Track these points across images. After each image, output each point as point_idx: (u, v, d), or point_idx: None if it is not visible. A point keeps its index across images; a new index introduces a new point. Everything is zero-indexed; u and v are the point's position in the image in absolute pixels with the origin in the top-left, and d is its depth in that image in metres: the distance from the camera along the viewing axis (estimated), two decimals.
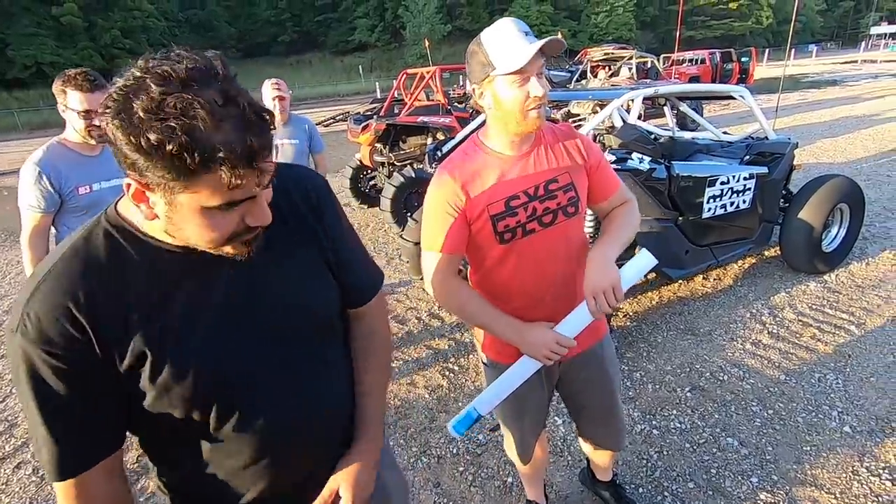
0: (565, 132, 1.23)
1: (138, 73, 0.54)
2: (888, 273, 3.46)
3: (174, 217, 0.62)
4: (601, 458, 1.68)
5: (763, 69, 25.32)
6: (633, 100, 2.78)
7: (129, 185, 0.60)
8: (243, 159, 0.56)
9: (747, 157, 3.12)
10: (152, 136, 0.52)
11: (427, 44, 17.22)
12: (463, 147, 1.19)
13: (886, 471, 1.91)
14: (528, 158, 1.15)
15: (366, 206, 6.09)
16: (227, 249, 0.68)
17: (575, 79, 12.18)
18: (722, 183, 2.88)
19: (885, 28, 39.70)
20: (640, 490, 1.92)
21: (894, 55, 34.92)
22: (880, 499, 1.80)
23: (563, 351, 1.11)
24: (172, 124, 0.52)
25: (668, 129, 3.72)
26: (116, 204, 0.71)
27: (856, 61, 30.57)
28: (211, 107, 0.54)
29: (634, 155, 2.59)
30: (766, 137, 3.34)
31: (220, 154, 0.54)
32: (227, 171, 0.56)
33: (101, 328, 0.64)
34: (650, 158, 2.62)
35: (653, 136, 3.14)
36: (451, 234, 1.13)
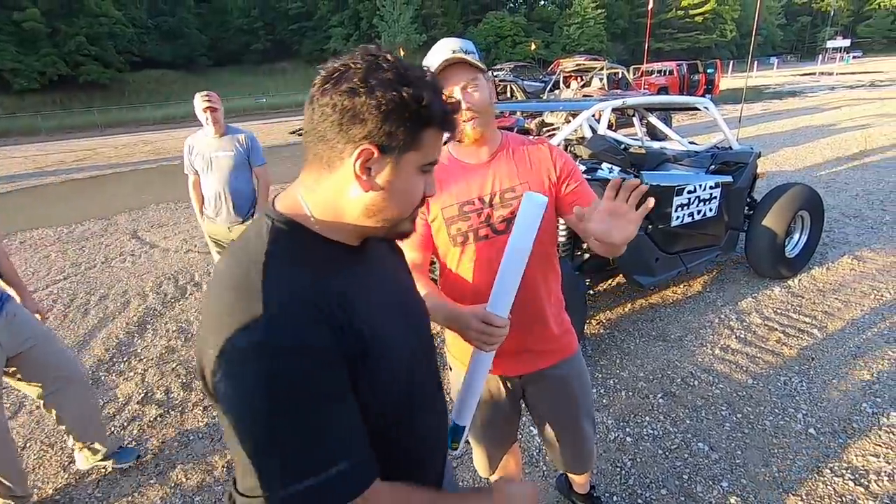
0: (535, 145, 1.24)
1: (368, 56, 0.64)
2: (847, 277, 3.60)
3: (395, 181, 0.67)
4: (572, 475, 1.67)
5: (728, 80, 26.23)
6: (602, 111, 2.84)
7: (361, 156, 0.63)
8: (448, 117, 0.69)
9: (713, 166, 3.21)
10: (399, 98, 0.61)
11: (402, 53, 17.37)
12: None
13: (849, 471, 1.97)
14: (487, 167, 1.19)
15: None
16: (405, 226, 0.74)
17: (548, 89, 12.40)
18: (689, 192, 2.96)
19: (840, 42, 41.67)
20: (615, 498, 1.93)
21: (849, 68, 36.74)
22: (844, 499, 1.85)
23: (497, 332, 0.97)
24: (412, 89, 0.63)
25: (638, 140, 3.80)
26: (274, 203, 0.72)
27: (814, 73, 32.02)
28: (431, 77, 0.67)
29: (604, 165, 2.64)
30: (730, 147, 3.45)
31: (438, 113, 0.66)
32: (441, 127, 0.68)
33: (346, 324, 0.63)
34: (619, 168, 2.67)
35: (623, 147, 3.21)
36: (418, 235, 1.19)
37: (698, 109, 3.32)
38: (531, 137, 1.32)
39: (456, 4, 45.88)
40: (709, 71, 16.90)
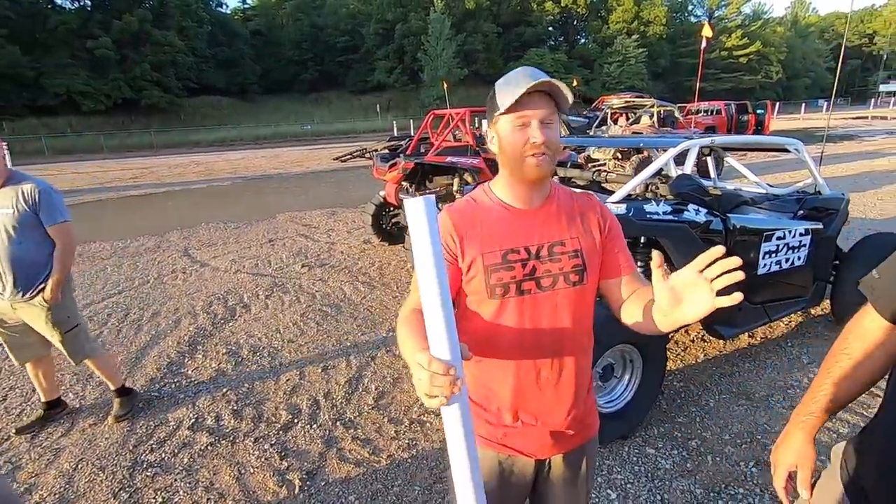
0: (585, 200, 1.12)
1: None
2: None
3: None
4: None
5: (775, 122, 25.60)
6: (688, 149, 2.69)
7: None
8: None
9: (801, 211, 2.98)
10: None
11: (445, 85, 17.70)
12: (472, 193, 1.13)
13: None
14: (537, 215, 1.06)
15: (386, 244, 6.01)
16: None
17: (595, 125, 12.31)
18: (778, 238, 2.74)
19: (893, 86, 40.35)
20: None
21: None
22: None
23: (437, 380, 0.69)
24: None
25: (710, 181, 3.62)
26: None
27: (866, 117, 30.94)
28: None
29: (690, 206, 2.47)
30: (819, 192, 3.22)
31: None
32: None
33: None
34: (706, 210, 2.50)
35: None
36: None
37: (787, 151, 3.12)
38: (578, 190, 1.17)
39: (498, 41, 46.97)
40: (759, 111, 16.50)
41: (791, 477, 1.01)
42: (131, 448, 2.48)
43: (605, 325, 2.10)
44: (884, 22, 72.83)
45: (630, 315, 1.02)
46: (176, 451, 2.46)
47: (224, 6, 48.06)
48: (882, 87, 41.51)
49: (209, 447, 2.47)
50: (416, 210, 0.69)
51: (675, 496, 2.07)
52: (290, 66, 46.36)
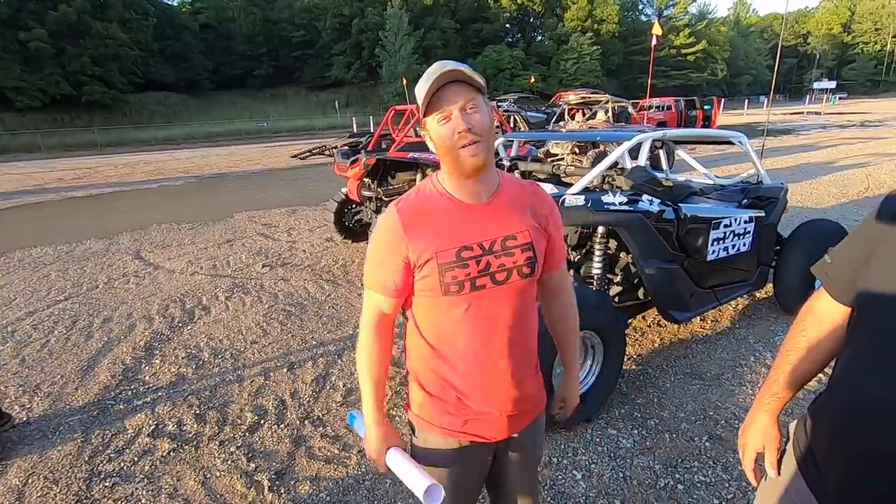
0: (532, 191, 1.13)
1: None
2: None
3: None
4: None
5: (721, 117, 26.88)
6: (642, 142, 2.81)
7: None
8: None
9: (745, 200, 3.17)
10: None
11: (404, 82, 17.61)
12: (420, 185, 1.10)
13: None
14: (488, 209, 1.05)
15: (350, 241, 5.96)
16: None
17: (553, 120, 12.56)
18: (725, 226, 2.91)
19: (826, 84, 43.11)
20: None
21: (836, 108, 37.85)
22: None
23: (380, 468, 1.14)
24: None
25: (662, 172, 3.78)
26: None
27: (802, 113, 32.95)
28: None
29: (644, 197, 2.58)
30: (761, 182, 3.42)
31: None
32: None
33: None
34: (659, 200, 2.62)
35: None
36: (388, 277, 1.05)
37: (732, 143, 3.31)
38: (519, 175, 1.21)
39: (456, 37, 47.08)
40: (706, 107, 17.29)
41: (758, 458, 1.05)
42: (87, 459, 2.38)
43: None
44: (816, 23, 77.67)
45: (551, 326, 1.29)
46: (136, 459, 2.37)
47: None
48: (816, 85, 44.16)
49: (171, 453, 2.40)
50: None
51: (636, 473, 2.17)
52: (242, 60, 44.89)
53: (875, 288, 0.83)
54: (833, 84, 44.41)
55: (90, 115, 32.65)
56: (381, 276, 1.06)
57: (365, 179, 5.40)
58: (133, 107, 36.18)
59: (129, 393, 2.95)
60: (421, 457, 1.14)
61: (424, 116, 1.00)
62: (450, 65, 0.97)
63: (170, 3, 45.09)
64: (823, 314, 0.98)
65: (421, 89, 0.98)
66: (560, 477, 2.16)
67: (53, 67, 30.97)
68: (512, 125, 12.46)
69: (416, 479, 1.04)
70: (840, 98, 50.25)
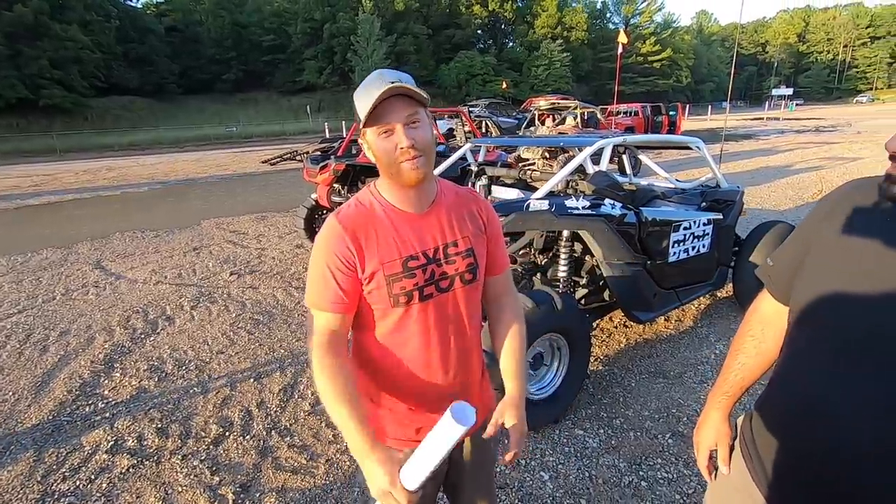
0: (470, 196, 1.15)
1: None
2: None
3: None
4: None
5: (686, 123, 27.76)
6: (604, 147, 2.88)
7: None
8: None
9: (704, 203, 3.28)
10: None
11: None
12: (358, 196, 1.09)
13: None
14: (428, 217, 1.06)
15: None
16: None
17: (524, 126, 12.74)
18: (685, 228, 3.00)
19: (783, 91, 45.11)
20: None
21: (793, 114, 39.57)
22: None
23: (396, 502, 0.89)
24: None
25: (625, 177, 3.88)
26: None
27: (762, 118, 34.30)
28: None
29: (607, 201, 2.64)
30: (718, 185, 3.55)
31: None
32: None
33: None
34: (621, 204, 2.68)
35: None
36: (339, 291, 1.00)
37: (691, 148, 3.42)
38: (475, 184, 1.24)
39: (429, 42, 47.30)
40: (671, 113, 17.80)
41: (712, 455, 1.09)
42: (39, 479, 2.27)
43: (535, 315, 2.21)
44: (773, 33, 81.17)
45: (495, 335, 1.20)
46: (93, 477, 2.28)
47: (134, 0, 44.77)
48: (774, 92, 46.23)
49: (131, 469, 2.32)
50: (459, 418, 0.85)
51: (601, 472, 2.21)
52: (211, 64, 43.98)
53: (807, 288, 0.87)
54: (790, 91, 46.56)
55: (49, 120, 31.37)
56: (328, 291, 1.01)
57: (335, 185, 5.36)
58: (95, 111, 34.95)
59: (87, 408, 2.84)
60: None
61: (364, 127, 0.99)
62: (391, 76, 0.96)
63: (134, 5, 43.90)
64: (768, 315, 1.02)
65: (362, 100, 0.96)
66: (528, 479, 2.18)
67: (8, 70, 29.65)
68: (484, 130, 12.58)
69: (439, 436, 0.88)
70: (797, 104, 52.64)
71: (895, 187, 0.72)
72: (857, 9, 77.99)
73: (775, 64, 74.15)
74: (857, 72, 74.75)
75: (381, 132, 0.97)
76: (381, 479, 0.89)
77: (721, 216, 3.27)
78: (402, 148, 0.96)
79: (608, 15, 61.65)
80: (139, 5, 45.92)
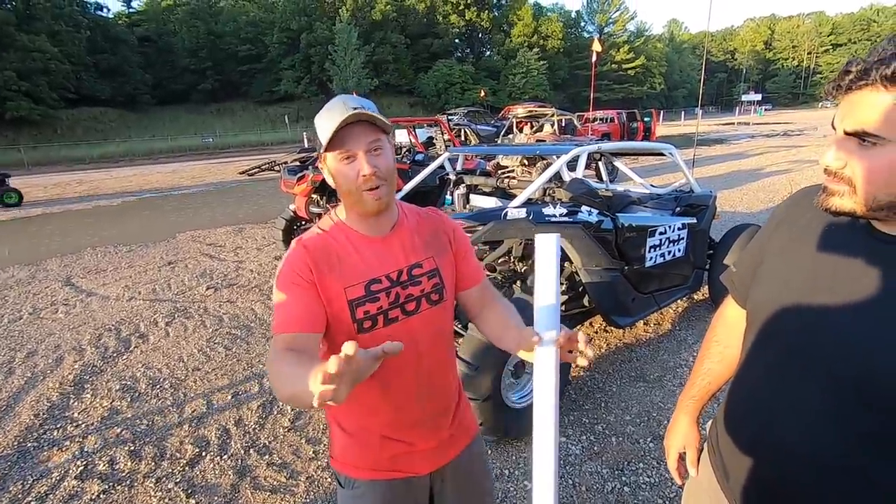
0: (433, 216, 1.15)
1: None
2: None
3: None
4: None
5: (661, 128, 28.39)
6: (579, 155, 2.92)
7: None
8: None
9: (678, 208, 3.34)
10: None
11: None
12: (320, 223, 1.08)
13: None
14: (391, 240, 1.05)
15: None
16: None
17: (502, 133, 12.85)
18: (660, 233, 3.05)
19: (753, 96, 46.53)
20: None
21: (763, 119, 40.82)
22: None
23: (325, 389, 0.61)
24: None
25: (602, 183, 3.93)
26: None
27: (733, 123, 35.31)
28: None
29: (583, 208, 2.67)
30: (692, 190, 3.63)
31: None
32: None
33: None
34: (598, 211, 2.71)
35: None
36: (302, 309, 0.94)
37: (664, 155, 3.49)
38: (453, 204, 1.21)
39: (407, 52, 47.50)
40: (646, 119, 18.17)
41: (681, 458, 1.10)
42: None
43: None
44: (742, 40, 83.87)
45: (491, 331, 1.12)
46: None
47: (105, 10, 43.97)
48: (744, 97, 47.64)
49: (101, 495, 2.23)
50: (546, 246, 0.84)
51: (584, 478, 2.21)
52: (185, 74, 43.36)
53: (757, 294, 0.89)
54: (759, 97, 48.00)
55: (16, 133, 30.48)
56: (298, 311, 0.94)
57: (313, 196, 5.31)
58: (65, 123, 34.09)
59: (56, 433, 2.73)
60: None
61: (325, 151, 0.97)
62: (354, 102, 0.95)
63: (104, 15, 42.99)
64: (732, 320, 1.04)
65: (323, 125, 0.95)
66: (512, 489, 2.17)
67: None
68: (462, 138, 12.65)
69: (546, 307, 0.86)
70: (766, 109, 54.30)
71: (830, 199, 0.74)
72: (820, 17, 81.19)
73: (744, 70, 76.53)
74: (822, 77, 77.59)
75: (342, 157, 0.96)
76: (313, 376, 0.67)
77: (695, 220, 3.33)
78: (364, 175, 0.95)
79: (583, 24, 62.88)
80: (110, 15, 45.05)
